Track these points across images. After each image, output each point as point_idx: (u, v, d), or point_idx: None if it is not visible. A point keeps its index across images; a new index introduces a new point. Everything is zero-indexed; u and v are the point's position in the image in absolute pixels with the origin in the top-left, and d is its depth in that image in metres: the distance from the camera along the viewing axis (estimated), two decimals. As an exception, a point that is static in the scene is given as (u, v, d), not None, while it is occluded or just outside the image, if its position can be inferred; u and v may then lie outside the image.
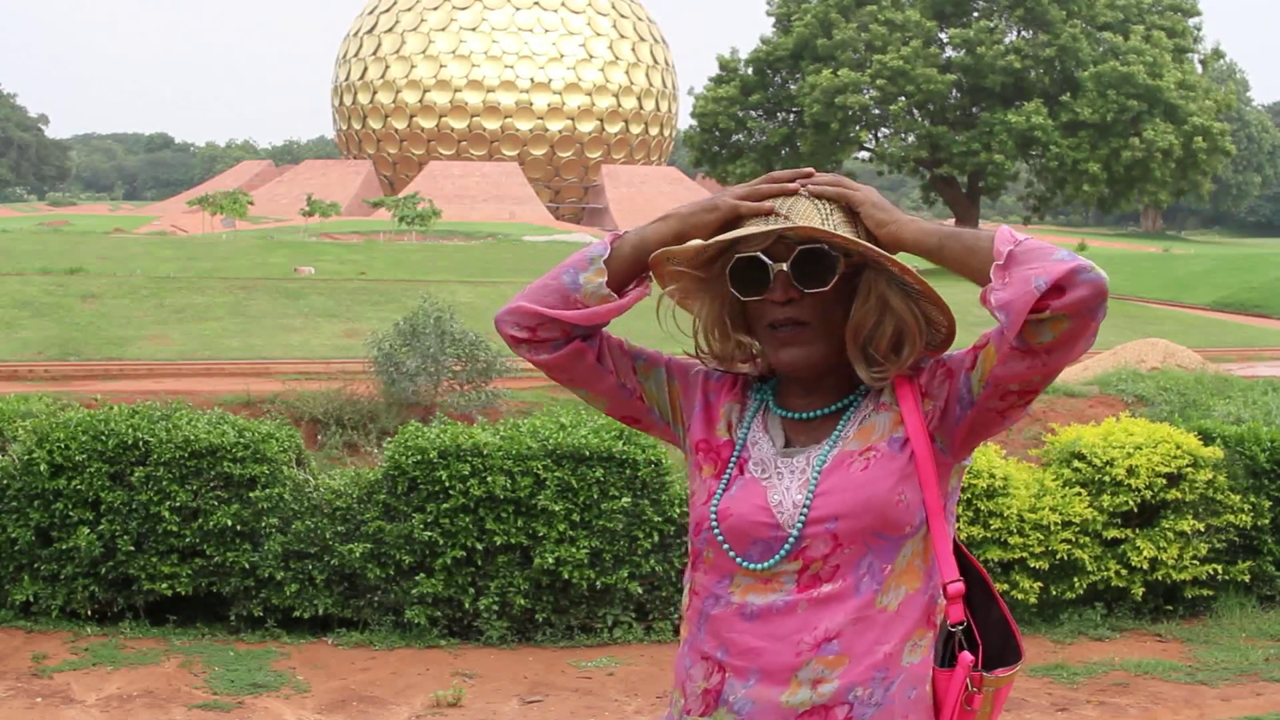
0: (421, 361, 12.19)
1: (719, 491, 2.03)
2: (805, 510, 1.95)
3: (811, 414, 2.04)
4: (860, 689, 1.91)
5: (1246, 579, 8.45)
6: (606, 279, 2.03)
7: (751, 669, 1.94)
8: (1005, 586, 8.02)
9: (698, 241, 2.01)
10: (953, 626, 1.98)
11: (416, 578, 7.72)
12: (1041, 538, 8.09)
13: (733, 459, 2.05)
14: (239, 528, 7.70)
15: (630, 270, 2.05)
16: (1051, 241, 1.92)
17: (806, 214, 1.97)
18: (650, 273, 2.07)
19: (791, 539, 1.94)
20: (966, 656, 1.98)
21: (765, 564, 1.95)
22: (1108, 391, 13.89)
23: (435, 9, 72.96)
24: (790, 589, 1.94)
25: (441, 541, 7.68)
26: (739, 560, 1.98)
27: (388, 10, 74.07)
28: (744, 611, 1.96)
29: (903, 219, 1.94)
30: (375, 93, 72.62)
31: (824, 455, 1.98)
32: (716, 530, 2.00)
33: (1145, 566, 8.17)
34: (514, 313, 2.06)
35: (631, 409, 2.17)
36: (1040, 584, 8.13)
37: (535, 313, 2.04)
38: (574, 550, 7.62)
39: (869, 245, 1.96)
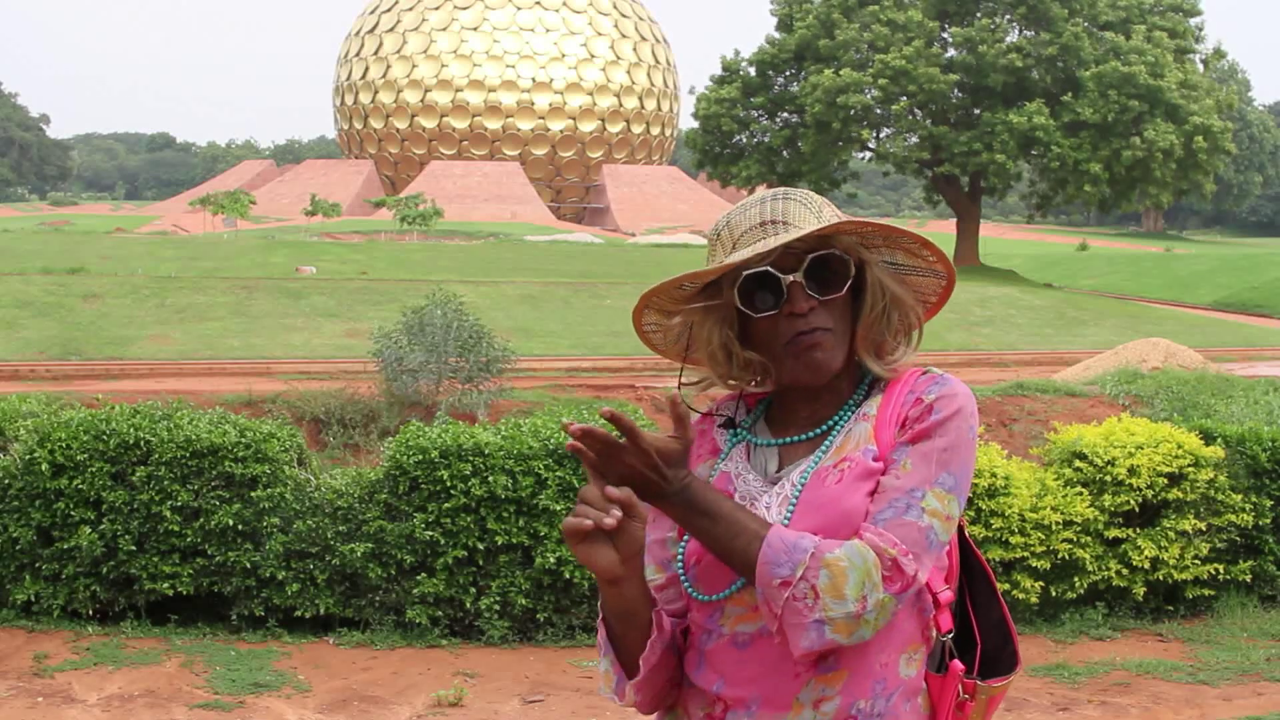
0: (425, 357, 12.19)
1: (685, 539, 1.99)
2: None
3: (804, 436, 2.01)
4: (863, 702, 1.89)
5: (1248, 579, 8.44)
6: (617, 680, 1.98)
7: (751, 698, 1.92)
8: (1006, 586, 8.02)
9: (702, 270, 1.97)
10: (942, 636, 1.97)
11: (418, 577, 7.72)
12: (1043, 537, 8.09)
13: None
14: (240, 527, 7.71)
15: (632, 637, 1.96)
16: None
17: (802, 217, 1.94)
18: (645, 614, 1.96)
19: None
20: (957, 665, 1.98)
21: (739, 584, 1.91)
22: (1109, 391, 13.89)
23: (437, 8, 72.99)
24: None
25: (443, 541, 7.68)
26: (711, 596, 1.95)
27: (389, 10, 74.09)
28: (736, 641, 1.94)
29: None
30: (377, 92, 72.65)
31: (806, 473, 1.95)
32: (684, 577, 1.98)
33: (1146, 566, 8.17)
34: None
35: None
36: (1041, 584, 8.13)
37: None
38: (575, 550, 7.61)
39: (884, 224, 1.96)
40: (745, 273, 1.94)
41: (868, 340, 1.98)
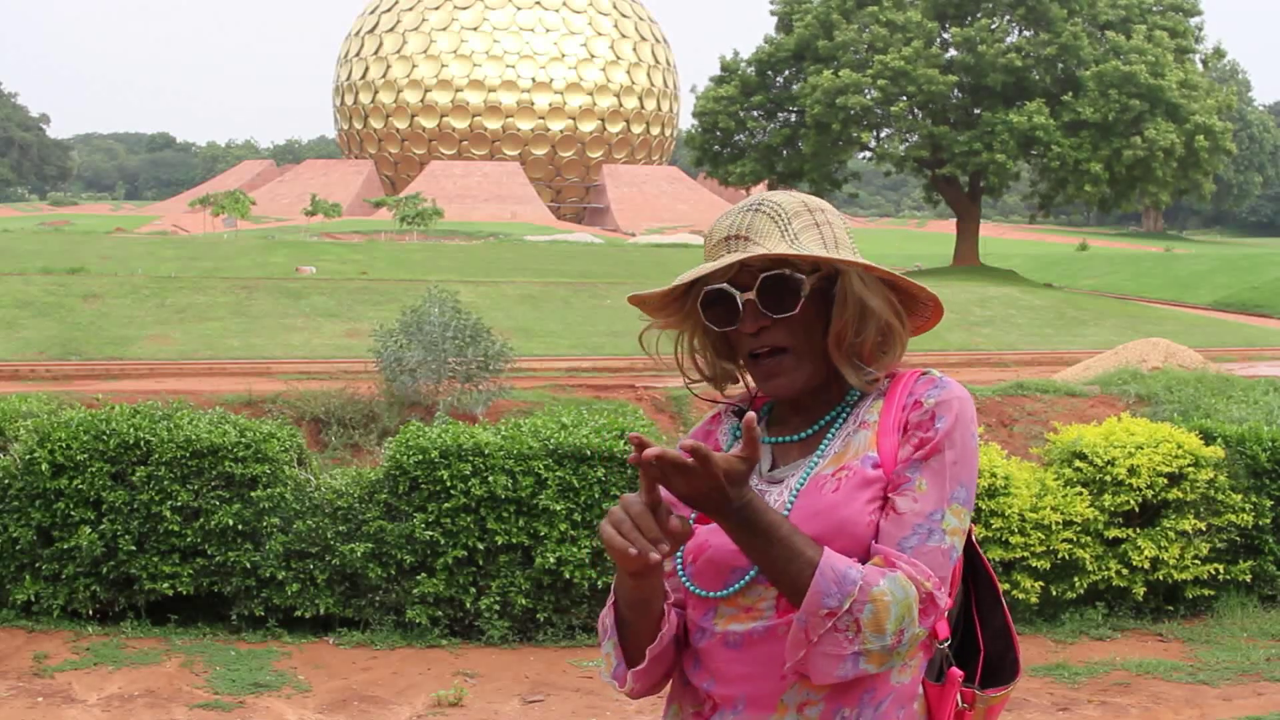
0: (424, 354, 12.17)
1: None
2: None
3: (796, 437, 2.01)
4: (848, 710, 1.88)
5: (1248, 578, 8.44)
6: (618, 664, 2.00)
7: (738, 697, 1.93)
8: (1006, 586, 8.02)
9: (664, 286, 1.99)
10: (939, 644, 1.96)
11: (418, 577, 7.72)
12: (1043, 537, 8.09)
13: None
14: (240, 527, 7.70)
15: (641, 626, 1.97)
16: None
17: (766, 231, 1.93)
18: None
19: None
20: (956, 673, 1.96)
21: (736, 585, 1.92)
22: (1109, 391, 13.88)
23: (437, 8, 73.03)
24: (770, 615, 1.91)
25: (443, 541, 7.68)
26: (709, 593, 1.96)
27: (389, 10, 74.14)
28: (727, 640, 1.94)
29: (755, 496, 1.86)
30: (377, 92, 72.68)
31: (802, 478, 1.95)
32: (682, 573, 2.00)
33: (1146, 566, 8.17)
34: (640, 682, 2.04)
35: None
36: (1041, 584, 8.13)
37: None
38: (575, 550, 7.62)
39: (828, 256, 1.92)
40: (704, 289, 1.95)
41: (840, 350, 1.96)
